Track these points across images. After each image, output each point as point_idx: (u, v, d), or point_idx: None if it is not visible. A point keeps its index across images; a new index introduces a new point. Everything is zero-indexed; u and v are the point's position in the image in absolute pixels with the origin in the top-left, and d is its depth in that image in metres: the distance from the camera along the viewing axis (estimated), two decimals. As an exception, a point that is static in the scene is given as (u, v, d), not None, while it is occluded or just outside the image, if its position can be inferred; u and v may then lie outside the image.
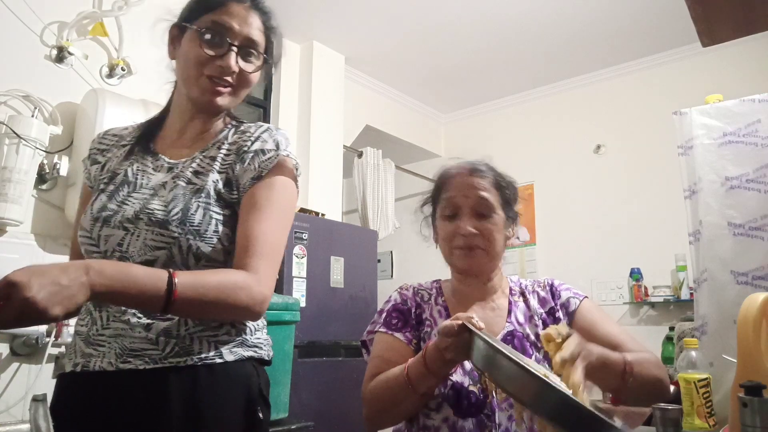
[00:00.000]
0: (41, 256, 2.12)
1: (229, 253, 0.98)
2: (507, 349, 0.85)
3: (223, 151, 1.03)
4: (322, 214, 3.16)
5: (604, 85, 4.07)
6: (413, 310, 1.19)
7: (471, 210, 1.15)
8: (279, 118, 3.63)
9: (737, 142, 1.62)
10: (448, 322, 0.93)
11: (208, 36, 1.00)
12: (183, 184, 0.99)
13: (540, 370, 0.80)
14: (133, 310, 0.93)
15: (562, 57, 3.89)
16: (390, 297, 1.24)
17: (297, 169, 1.06)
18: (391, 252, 4.90)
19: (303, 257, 2.81)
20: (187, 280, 0.84)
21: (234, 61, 1.01)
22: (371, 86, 4.26)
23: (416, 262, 4.56)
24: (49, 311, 0.70)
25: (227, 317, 0.95)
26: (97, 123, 2.09)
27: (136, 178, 1.03)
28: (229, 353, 0.95)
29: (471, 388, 1.07)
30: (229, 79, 1.01)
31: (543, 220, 4.20)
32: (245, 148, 1.01)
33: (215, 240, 0.96)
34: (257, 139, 1.02)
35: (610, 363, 0.98)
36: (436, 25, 3.51)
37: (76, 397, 0.96)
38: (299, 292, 2.75)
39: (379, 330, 1.18)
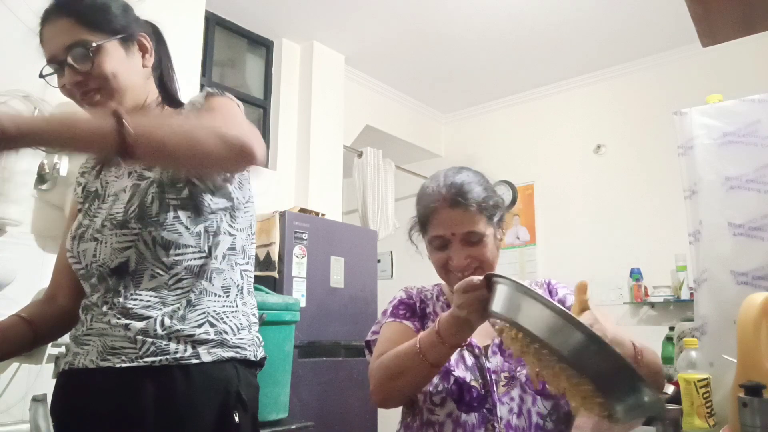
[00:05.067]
0: (41, 256, 2.11)
1: (197, 235, 0.97)
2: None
3: None
4: (322, 214, 3.16)
5: (604, 85, 4.07)
6: (418, 305, 1.22)
7: (460, 241, 1.14)
8: (279, 118, 3.63)
9: (737, 142, 1.61)
10: (464, 280, 0.90)
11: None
12: (138, 182, 1.00)
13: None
14: (114, 311, 0.94)
15: (562, 57, 3.89)
16: (394, 297, 1.26)
17: (240, 107, 1.05)
18: (391, 252, 4.90)
19: (303, 257, 2.81)
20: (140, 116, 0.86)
21: (66, 78, 0.98)
22: (371, 86, 4.26)
23: (416, 262, 4.56)
24: None
25: (213, 150, 0.85)
26: (97, 123, 2.09)
27: (105, 190, 1.06)
28: (207, 354, 0.94)
29: (473, 383, 1.09)
30: (78, 89, 0.99)
31: (543, 220, 4.19)
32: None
33: (177, 225, 0.96)
34: (188, 104, 1.06)
35: (624, 346, 0.97)
36: (436, 25, 3.51)
37: (65, 394, 0.99)
38: (299, 292, 2.75)
39: (387, 321, 1.19)
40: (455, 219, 1.14)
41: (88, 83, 0.98)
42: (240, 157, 0.87)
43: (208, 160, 0.87)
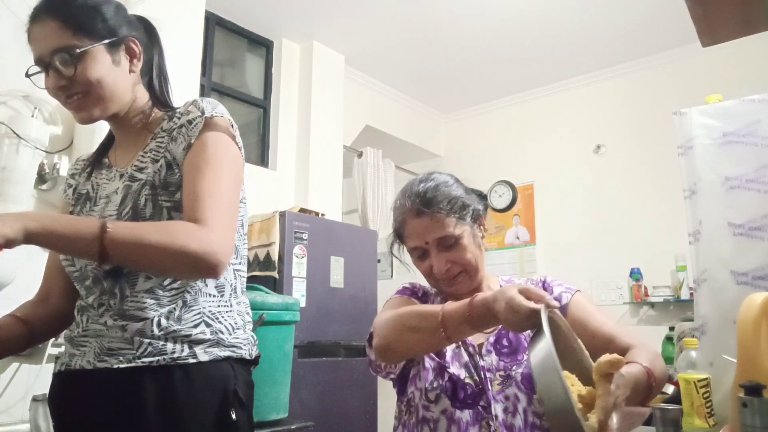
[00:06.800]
0: (41, 256, 2.11)
1: None
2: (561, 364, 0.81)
3: (158, 140, 1.03)
4: (322, 214, 3.16)
5: (604, 85, 4.07)
6: (420, 294, 1.27)
7: (437, 247, 1.16)
8: (279, 118, 3.64)
9: (737, 142, 1.61)
10: (519, 299, 0.87)
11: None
12: (129, 183, 1.00)
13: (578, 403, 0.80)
14: (110, 313, 0.95)
15: (562, 57, 3.89)
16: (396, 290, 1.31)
17: (233, 126, 1.04)
18: (391, 252, 4.90)
19: (303, 257, 2.81)
20: (124, 223, 0.87)
21: (51, 81, 0.98)
22: (371, 86, 4.26)
23: (416, 262, 4.56)
24: None
25: (177, 268, 0.90)
26: (97, 123, 2.09)
27: (96, 192, 1.06)
28: (204, 353, 0.95)
29: (467, 380, 1.09)
30: (62, 93, 0.99)
31: (543, 220, 4.19)
32: (175, 127, 1.02)
33: None
34: (183, 114, 1.02)
35: (639, 383, 0.97)
36: (436, 25, 3.51)
37: (61, 396, 0.99)
38: (299, 292, 2.75)
39: (393, 297, 1.25)
40: (424, 228, 1.15)
41: (71, 88, 0.98)
42: (200, 274, 0.93)
43: (170, 273, 0.94)
